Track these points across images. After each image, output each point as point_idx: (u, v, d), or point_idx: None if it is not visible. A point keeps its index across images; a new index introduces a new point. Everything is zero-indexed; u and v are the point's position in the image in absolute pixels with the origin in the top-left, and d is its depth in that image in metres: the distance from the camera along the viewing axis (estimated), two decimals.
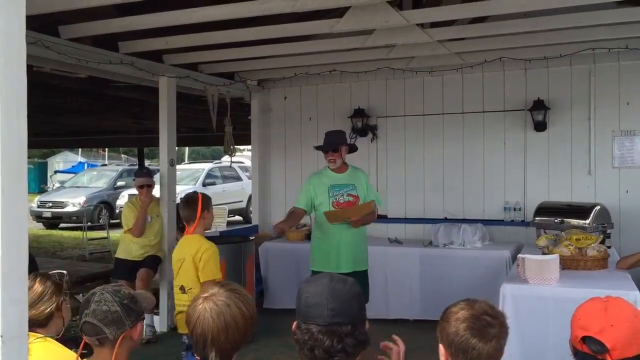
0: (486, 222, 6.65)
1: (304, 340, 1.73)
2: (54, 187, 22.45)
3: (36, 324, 2.30)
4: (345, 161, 4.97)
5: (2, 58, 1.55)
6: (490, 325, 1.82)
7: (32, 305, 2.30)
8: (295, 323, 1.78)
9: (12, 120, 1.57)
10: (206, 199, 4.02)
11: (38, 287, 2.37)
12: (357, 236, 4.87)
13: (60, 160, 32.81)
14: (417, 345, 5.20)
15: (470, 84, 6.89)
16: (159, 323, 6.26)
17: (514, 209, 6.66)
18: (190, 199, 4.02)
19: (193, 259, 3.79)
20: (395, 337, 2.10)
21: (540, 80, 6.58)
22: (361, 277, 4.72)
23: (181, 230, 6.89)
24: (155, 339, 5.92)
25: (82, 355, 2.10)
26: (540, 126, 6.50)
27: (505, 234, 6.69)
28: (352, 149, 5.10)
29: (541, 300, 4.06)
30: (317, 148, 5.09)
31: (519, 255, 4.37)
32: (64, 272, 2.55)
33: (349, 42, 5.92)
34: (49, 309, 2.36)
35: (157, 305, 6.28)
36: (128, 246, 6.12)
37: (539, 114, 6.48)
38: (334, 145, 4.88)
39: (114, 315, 2.05)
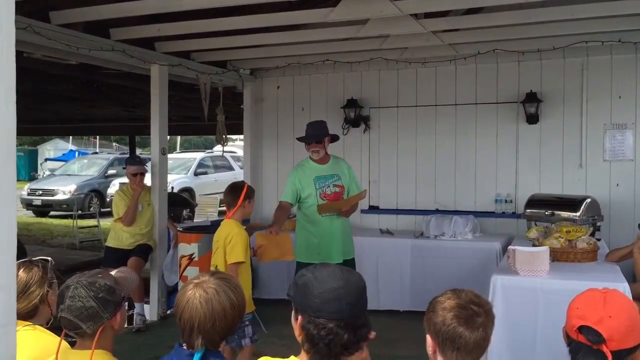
0: (477, 214, 6.67)
1: (320, 336, 1.68)
2: (44, 175, 22.33)
3: (23, 317, 2.27)
4: (327, 151, 4.98)
5: None
6: (476, 314, 1.82)
7: (18, 297, 2.26)
8: (302, 318, 1.74)
9: (0, 106, 1.55)
10: (250, 190, 4.31)
11: (23, 275, 2.32)
12: (344, 226, 4.95)
13: (51, 148, 32.58)
14: (407, 336, 5.24)
15: (463, 76, 6.88)
16: (150, 312, 6.25)
17: (505, 201, 6.68)
18: (236, 187, 4.32)
19: (224, 242, 4.09)
20: None
21: (533, 73, 6.58)
22: (350, 266, 4.75)
23: (172, 219, 6.90)
24: (145, 327, 5.91)
25: (71, 343, 2.09)
26: (532, 119, 6.51)
27: (496, 225, 6.72)
28: (334, 139, 5.11)
29: (531, 291, 4.08)
30: (300, 140, 5.06)
31: (510, 247, 4.40)
32: (49, 258, 2.50)
33: (343, 32, 5.89)
34: (33, 302, 2.32)
35: (147, 294, 6.26)
36: (119, 235, 6.09)
37: (531, 106, 6.49)
38: (318, 137, 4.89)
39: (89, 310, 2.00)
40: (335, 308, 1.69)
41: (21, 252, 2.79)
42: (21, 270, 2.32)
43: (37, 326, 2.29)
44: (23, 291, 2.28)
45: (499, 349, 3.86)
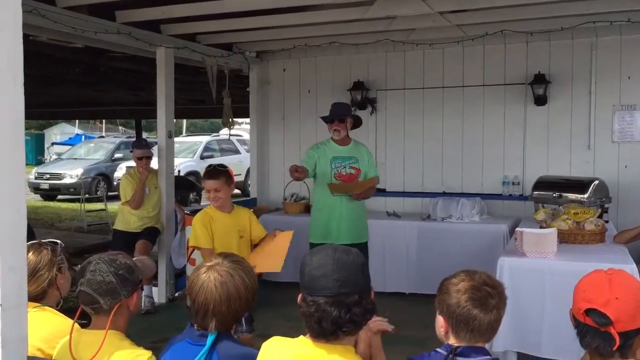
0: (484, 196, 6.66)
1: (310, 313, 1.72)
2: (51, 159, 22.40)
3: (32, 300, 2.29)
4: (348, 134, 5.02)
5: None
6: (490, 295, 1.84)
7: (27, 279, 2.27)
8: (300, 296, 1.77)
9: (9, 88, 1.55)
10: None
11: (32, 258, 2.33)
12: (357, 209, 4.95)
13: (57, 132, 32.67)
14: (413, 317, 5.26)
15: (471, 57, 6.82)
16: (158, 294, 6.30)
17: (513, 183, 6.66)
18: (222, 170, 4.15)
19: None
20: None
21: (541, 54, 6.52)
22: (361, 249, 4.76)
23: (179, 202, 6.92)
24: (154, 310, 5.96)
25: (82, 325, 2.11)
26: (540, 100, 6.47)
27: (503, 208, 6.71)
28: (357, 122, 5.14)
29: (538, 273, 4.08)
30: (323, 119, 5.09)
31: (517, 229, 4.39)
32: (58, 241, 2.51)
33: (349, 13, 5.84)
34: (42, 285, 2.33)
35: (155, 277, 6.31)
36: (126, 218, 6.12)
37: (539, 88, 6.43)
38: (341, 115, 4.93)
39: (108, 285, 2.04)
40: (322, 285, 1.71)
41: (30, 236, 2.80)
42: (30, 252, 2.32)
43: (46, 307, 2.31)
44: (32, 274, 2.28)
45: (505, 330, 3.86)
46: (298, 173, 4.71)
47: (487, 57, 6.76)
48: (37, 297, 2.31)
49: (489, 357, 1.82)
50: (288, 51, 7.50)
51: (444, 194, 6.86)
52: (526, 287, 4.07)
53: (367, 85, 7.22)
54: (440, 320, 1.89)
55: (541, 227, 4.61)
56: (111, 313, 2.03)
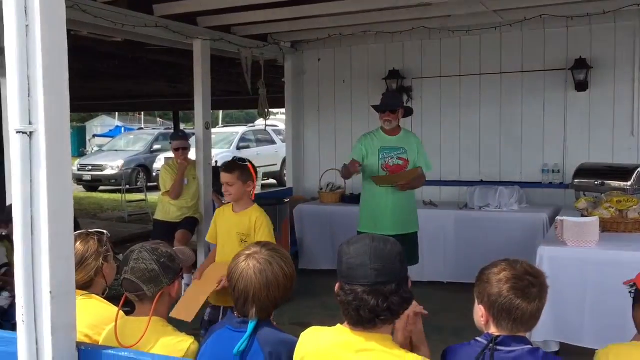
0: (523, 185, 6.56)
1: (348, 302, 1.73)
2: (93, 151, 22.92)
3: (79, 288, 2.36)
4: (399, 124, 5.01)
5: (45, 22, 1.57)
6: (532, 285, 1.83)
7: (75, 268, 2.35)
8: (337, 284, 1.79)
9: (55, 83, 1.60)
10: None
11: (80, 247, 2.39)
12: (404, 199, 4.92)
13: (98, 125, 33.39)
14: (450, 307, 5.24)
15: (509, 43, 6.70)
16: None
17: (553, 171, 6.55)
18: (239, 164, 3.81)
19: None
20: None
21: (582, 39, 6.36)
22: (409, 240, 4.77)
23: (217, 192, 7.01)
24: None
25: (126, 312, 2.17)
26: (581, 86, 6.32)
27: (543, 196, 6.59)
28: (408, 112, 5.14)
29: (580, 262, 4.02)
30: (375, 107, 5.08)
31: (558, 218, 4.33)
32: (104, 231, 2.59)
33: (384, 1, 5.80)
34: (89, 274, 2.39)
35: (194, 265, 6.42)
36: (166, 208, 6.24)
37: (580, 73, 6.29)
38: (393, 106, 4.92)
39: (151, 273, 2.11)
40: (361, 274, 1.73)
41: (75, 226, 2.88)
42: (78, 242, 2.39)
43: (93, 295, 2.38)
44: (80, 263, 2.35)
45: (546, 320, 3.82)
46: (354, 169, 4.84)
47: (525, 42, 6.63)
48: (85, 286, 2.38)
49: (529, 346, 1.81)
50: (323, 41, 7.49)
51: (481, 182, 6.78)
52: (567, 277, 4.01)
53: (402, 74, 7.17)
54: (480, 310, 1.88)
55: (582, 216, 4.53)
56: (154, 300, 2.09)
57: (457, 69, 6.97)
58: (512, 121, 6.75)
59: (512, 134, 6.76)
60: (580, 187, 5.68)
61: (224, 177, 3.64)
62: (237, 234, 3.57)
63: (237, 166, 3.64)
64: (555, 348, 4.17)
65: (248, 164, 3.68)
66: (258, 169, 15.83)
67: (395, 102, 5.04)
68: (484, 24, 6.53)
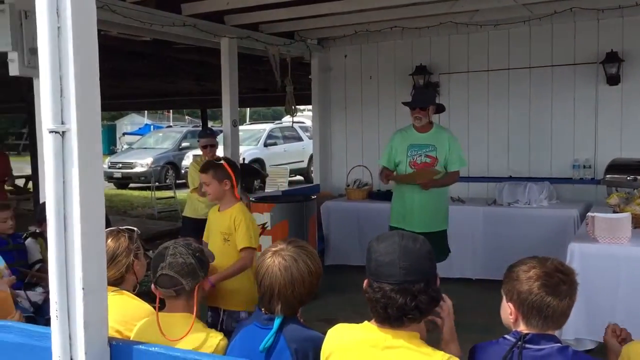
0: (553, 181, 6.46)
1: (376, 299, 1.73)
2: (123, 149, 23.24)
3: (110, 284, 2.40)
4: (431, 121, 4.94)
5: (76, 24, 1.59)
6: (563, 282, 1.81)
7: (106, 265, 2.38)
8: (366, 281, 1.79)
9: (86, 83, 1.63)
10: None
11: (111, 244, 2.41)
12: (431, 197, 4.87)
13: (128, 123, 33.84)
14: (479, 304, 5.19)
15: (538, 37, 6.60)
16: None
17: (584, 167, 6.43)
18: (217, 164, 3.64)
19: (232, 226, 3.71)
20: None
21: (614, 31, 6.23)
22: (437, 237, 4.75)
23: (244, 190, 7.07)
24: None
25: (155, 308, 2.21)
26: (613, 80, 6.19)
27: (573, 192, 6.49)
28: (440, 109, 5.07)
29: (611, 259, 3.95)
30: (405, 104, 5.05)
31: (589, 214, 4.26)
32: (135, 228, 2.61)
33: None
34: (120, 270, 2.42)
35: None
36: (194, 205, 6.30)
37: (612, 66, 6.16)
38: (423, 102, 4.84)
39: (189, 267, 2.14)
40: (389, 272, 1.72)
41: (106, 223, 2.93)
42: (109, 239, 2.42)
43: (124, 291, 2.42)
44: (111, 259, 2.38)
45: (576, 317, 3.77)
46: (384, 181, 4.99)
47: (555, 36, 6.53)
48: (116, 282, 2.42)
49: (559, 344, 1.78)
50: (349, 37, 7.48)
51: (510, 178, 6.70)
52: (598, 274, 3.95)
53: (429, 69, 7.12)
54: (509, 308, 1.86)
55: (614, 212, 4.45)
56: (195, 294, 2.12)
57: (485, 64, 6.90)
58: (542, 116, 6.65)
59: (541, 129, 6.66)
60: (612, 183, 5.57)
61: (201, 177, 3.63)
62: (220, 233, 3.51)
63: (211, 165, 3.56)
64: (591, 346, 4.11)
65: (223, 162, 3.60)
66: (285, 165, 15.96)
67: (425, 98, 4.96)
68: (512, 17, 6.45)
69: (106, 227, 2.78)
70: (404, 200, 4.95)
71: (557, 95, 6.58)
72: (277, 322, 1.94)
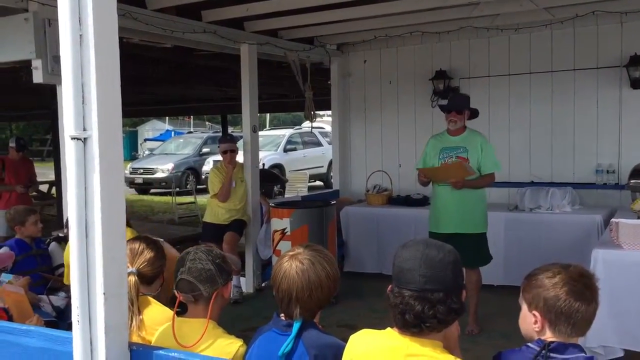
0: (576, 186, 6.37)
1: (395, 304, 1.73)
2: (144, 155, 23.49)
3: (146, 280, 2.46)
4: (465, 125, 5.01)
5: (98, 31, 1.61)
6: (588, 287, 1.80)
7: (147, 264, 2.47)
8: (390, 286, 1.79)
9: (108, 90, 1.65)
10: None
11: (151, 250, 2.51)
12: (465, 197, 4.89)
13: (149, 129, 34.22)
14: (501, 310, 5.14)
15: (560, 41, 6.53)
16: (245, 284, 6.49)
17: (607, 172, 6.33)
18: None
19: None
20: None
21: (637, 34, 6.13)
22: (473, 240, 4.72)
23: (264, 195, 7.09)
24: (242, 299, 6.15)
25: (177, 313, 2.22)
26: (637, 83, 6.10)
27: (597, 197, 6.39)
28: (474, 114, 5.13)
29: (637, 266, 3.88)
30: (441, 107, 5.14)
31: (613, 220, 4.19)
32: (160, 239, 2.70)
33: (431, 2, 5.75)
34: (154, 272, 2.50)
35: (243, 267, 6.51)
36: (215, 210, 6.34)
37: (636, 70, 6.07)
38: (459, 106, 4.94)
39: (207, 273, 2.15)
40: (409, 278, 1.72)
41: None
42: (150, 243, 2.54)
43: (147, 296, 2.44)
44: (150, 260, 2.48)
45: (601, 325, 3.70)
46: (422, 177, 5.01)
47: (577, 40, 6.45)
48: (150, 279, 2.49)
49: (584, 354, 1.75)
50: (369, 42, 7.47)
51: (532, 183, 6.63)
52: (623, 281, 3.88)
53: (449, 74, 7.08)
54: (533, 316, 1.82)
55: (639, 218, 4.37)
56: (211, 300, 2.13)
57: (506, 68, 6.84)
58: (564, 120, 6.57)
59: (564, 133, 6.58)
60: (636, 188, 5.48)
61: None
62: None
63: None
64: (620, 354, 4.04)
65: None
66: (305, 170, 16.00)
67: (461, 102, 5.04)
68: (534, 21, 6.39)
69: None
70: (438, 201, 5.03)
71: (579, 99, 6.49)
72: (296, 326, 1.93)
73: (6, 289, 3.09)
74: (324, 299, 1.99)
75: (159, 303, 2.45)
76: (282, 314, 2.01)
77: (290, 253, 2.04)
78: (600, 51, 6.35)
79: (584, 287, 1.79)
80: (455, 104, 5.00)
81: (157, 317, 2.30)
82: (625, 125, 6.29)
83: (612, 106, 6.33)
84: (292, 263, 1.98)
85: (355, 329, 1.94)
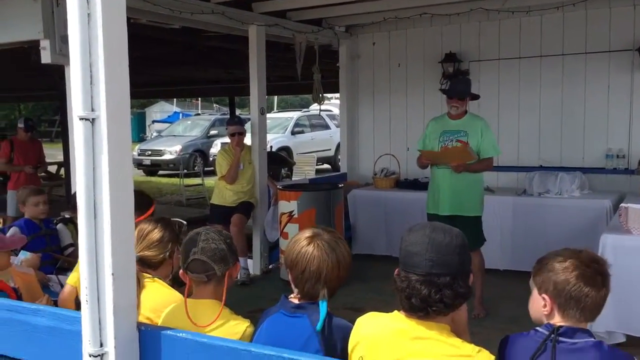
0: (586, 170, 6.33)
1: (402, 288, 1.74)
2: (152, 136, 23.52)
3: (149, 265, 2.46)
4: (467, 109, 5.03)
5: (106, 11, 1.60)
6: (598, 272, 1.80)
7: (149, 247, 2.48)
8: (397, 270, 1.79)
9: (115, 71, 1.64)
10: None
11: (158, 232, 2.51)
12: (463, 180, 4.90)
13: (157, 111, 34.22)
14: (508, 294, 5.14)
15: (571, 24, 6.45)
16: (253, 266, 6.52)
17: (617, 156, 6.29)
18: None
19: None
20: None
21: None
22: (469, 223, 4.73)
23: (272, 177, 7.09)
24: (249, 281, 6.18)
25: (177, 290, 2.23)
26: None
27: (606, 182, 6.35)
28: (475, 98, 5.17)
29: None
30: (443, 91, 5.16)
31: (622, 205, 4.17)
32: (184, 222, 2.69)
33: None
34: (162, 255, 2.50)
35: (250, 249, 6.54)
36: (222, 192, 6.35)
37: None
38: (461, 93, 4.95)
39: (221, 252, 2.16)
40: (415, 262, 1.72)
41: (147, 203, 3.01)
42: (160, 224, 2.54)
43: (156, 279, 2.45)
44: (159, 240, 2.49)
45: (608, 310, 3.69)
46: (424, 159, 5.04)
47: (589, 22, 6.37)
48: (155, 264, 2.48)
49: (592, 339, 1.75)
50: (378, 24, 7.41)
51: (541, 167, 6.59)
52: (631, 266, 3.87)
53: (459, 57, 7.02)
54: (542, 300, 1.83)
55: None
56: (225, 280, 2.14)
57: (517, 51, 6.77)
58: (574, 104, 6.51)
59: (574, 117, 6.52)
60: None
61: None
62: None
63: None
64: (622, 339, 4.04)
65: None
66: (313, 153, 15.96)
67: (463, 89, 5.02)
68: (545, 4, 6.31)
69: (148, 205, 2.83)
70: (436, 183, 5.04)
71: (590, 83, 6.43)
72: (323, 305, 1.93)
73: (16, 270, 3.11)
74: (344, 278, 2.02)
75: (167, 286, 2.45)
76: (297, 296, 2.02)
77: (308, 235, 2.04)
78: (612, 34, 6.26)
79: (594, 272, 1.79)
80: (457, 90, 4.98)
81: (165, 299, 2.30)
82: (636, 109, 6.22)
83: (623, 90, 6.26)
84: (319, 242, 1.99)
85: (361, 311, 1.94)
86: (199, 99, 33.47)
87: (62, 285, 3.83)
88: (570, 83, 6.51)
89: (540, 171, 6.37)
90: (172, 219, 2.65)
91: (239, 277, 6.14)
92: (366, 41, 7.77)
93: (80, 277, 1.69)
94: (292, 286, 2.06)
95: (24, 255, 3.69)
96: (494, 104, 6.92)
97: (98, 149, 1.64)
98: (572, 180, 6.06)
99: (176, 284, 2.48)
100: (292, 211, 5.92)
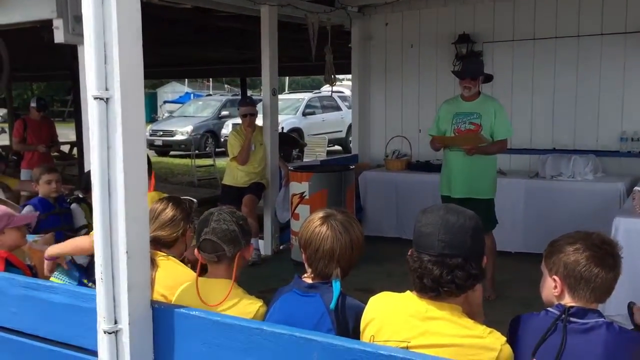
0: (599, 153, 6.28)
1: (414, 268, 1.75)
2: (164, 117, 23.57)
3: (162, 244, 2.48)
4: (480, 90, 4.98)
5: None
6: (609, 254, 1.80)
7: (162, 227, 2.50)
8: (410, 250, 1.81)
9: (130, 51, 1.64)
10: None
11: (170, 211, 2.53)
12: (475, 163, 4.88)
13: (169, 91, 34.22)
14: (519, 277, 5.14)
15: (587, 4, 6.35)
16: (264, 247, 6.56)
17: (632, 139, 6.23)
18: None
19: None
20: None
21: None
22: (481, 205, 4.73)
23: (283, 158, 7.10)
24: (260, 261, 6.22)
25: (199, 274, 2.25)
26: None
27: (620, 165, 6.30)
28: (488, 78, 5.12)
29: None
30: (455, 73, 5.10)
31: (636, 188, 4.14)
32: (195, 200, 2.72)
33: None
34: (175, 233, 2.52)
35: (261, 230, 6.56)
36: (234, 173, 6.37)
37: None
38: (474, 73, 4.89)
39: (232, 233, 2.17)
40: (428, 243, 1.73)
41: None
42: (171, 203, 2.56)
43: (171, 257, 2.48)
44: (171, 220, 2.51)
45: (620, 294, 3.68)
46: (437, 144, 5.04)
47: (606, 3, 6.26)
48: (168, 244, 2.51)
49: (603, 319, 1.75)
50: (390, 5, 7.33)
51: (554, 150, 6.55)
52: None
53: (473, 38, 6.95)
54: (553, 281, 1.83)
55: None
56: (235, 260, 2.16)
57: (531, 32, 6.68)
58: (589, 86, 6.44)
59: (588, 100, 6.45)
60: None
61: None
62: None
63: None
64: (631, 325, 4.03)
65: None
66: (324, 135, 15.91)
67: (476, 68, 4.97)
68: None
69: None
70: (449, 166, 5.04)
71: (605, 64, 6.34)
72: (337, 284, 1.95)
73: (32, 247, 3.15)
74: (357, 259, 2.04)
75: (181, 264, 2.47)
76: (310, 275, 2.03)
77: (322, 215, 2.05)
78: (629, 15, 6.17)
79: (605, 253, 1.80)
80: (469, 70, 4.93)
81: (180, 277, 2.31)
82: None
83: (639, 72, 6.18)
84: (332, 223, 2.01)
85: (371, 292, 1.95)
86: (210, 79, 33.42)
87: (75, 264, 3.88)
88: (585, 65, 6.43)
89: (554, 154, 6.32)
90: (182, 197, 2.66)
91: (250, 257, 6.21)
92: (379, 22, 7.70)
93: (95, 255, 1.71)
94: (306, 266, 2.07)
95: (31, 238, 3.71)
96: (507, 85, 6.86)
97: (112, 128, 1.65)
98: (585, 163, 6.02)
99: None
100: (304, 192, 5.93)
